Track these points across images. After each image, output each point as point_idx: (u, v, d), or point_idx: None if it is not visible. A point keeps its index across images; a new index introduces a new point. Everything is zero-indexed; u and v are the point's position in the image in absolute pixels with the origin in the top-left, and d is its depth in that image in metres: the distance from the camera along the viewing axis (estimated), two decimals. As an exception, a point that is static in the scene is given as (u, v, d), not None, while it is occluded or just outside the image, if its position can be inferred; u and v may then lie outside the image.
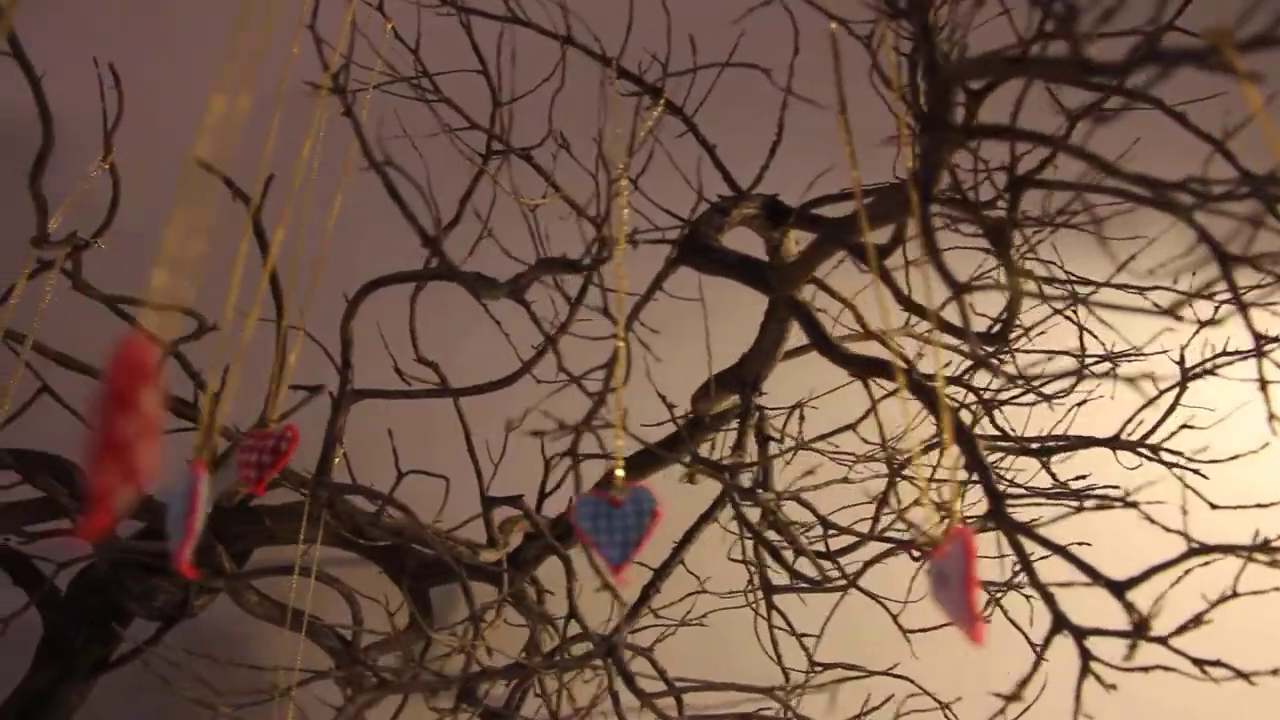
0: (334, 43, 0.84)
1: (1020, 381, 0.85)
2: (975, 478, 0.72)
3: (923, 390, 0.73)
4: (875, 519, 1.00)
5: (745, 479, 0.90)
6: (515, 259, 0.81)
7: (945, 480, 0.93)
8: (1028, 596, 0.96)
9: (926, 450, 0.96)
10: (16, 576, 1.25)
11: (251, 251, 0.72)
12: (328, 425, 0.99)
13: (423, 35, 0.97)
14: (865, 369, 0.77)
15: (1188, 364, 0.92)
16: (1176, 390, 0.88)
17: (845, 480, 1.02)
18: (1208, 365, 0.84)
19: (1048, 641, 0.71)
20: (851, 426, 0.99)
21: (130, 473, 0.31)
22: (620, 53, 0.88)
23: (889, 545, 0.99)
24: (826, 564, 0.99)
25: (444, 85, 0.98)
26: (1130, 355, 0.92)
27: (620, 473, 0.63)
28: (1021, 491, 0.89)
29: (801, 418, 1.08)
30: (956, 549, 0.48)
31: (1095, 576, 0.65)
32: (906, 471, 0.93)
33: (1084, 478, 0.97)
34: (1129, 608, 0.63)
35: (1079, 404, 0.91)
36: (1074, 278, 0.91)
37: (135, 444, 0.31)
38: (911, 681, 1.03)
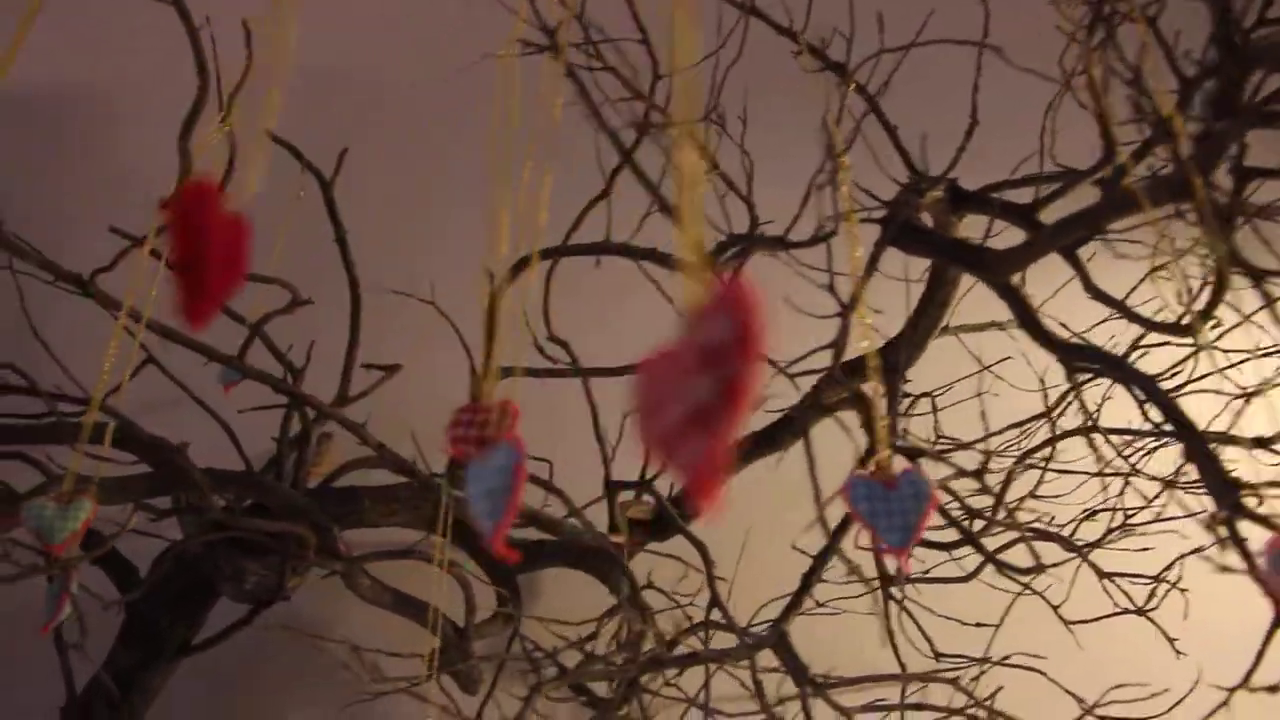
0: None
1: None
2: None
3: (1144, 382, 0.72)
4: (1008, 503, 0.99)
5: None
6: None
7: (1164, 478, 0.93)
8: (1180, 589, 0.97)
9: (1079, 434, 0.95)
10: (96, 557, 1.19)
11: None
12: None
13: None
14: (1072, 355, 0.76)
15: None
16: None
17: (978, 472, 1.01)
18: None
19: (1269, 637, 0.70)
20: (1046, 414, 0.98)
21: (738, 432, 0.28)
22: (804, 27, 0.85)
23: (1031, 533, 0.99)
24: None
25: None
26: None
27: (887, 452, 0.61)
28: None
29: (934, 406, 1.07)
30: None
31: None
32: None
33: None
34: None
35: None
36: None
37: (754, 396, 0.27)
38: (1044, 674, 1.02)
